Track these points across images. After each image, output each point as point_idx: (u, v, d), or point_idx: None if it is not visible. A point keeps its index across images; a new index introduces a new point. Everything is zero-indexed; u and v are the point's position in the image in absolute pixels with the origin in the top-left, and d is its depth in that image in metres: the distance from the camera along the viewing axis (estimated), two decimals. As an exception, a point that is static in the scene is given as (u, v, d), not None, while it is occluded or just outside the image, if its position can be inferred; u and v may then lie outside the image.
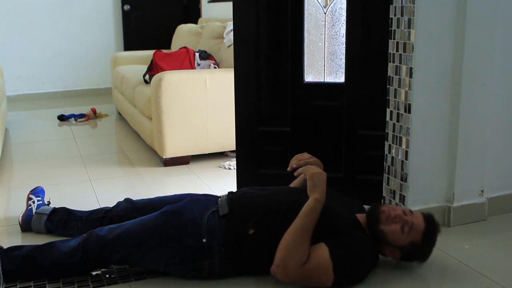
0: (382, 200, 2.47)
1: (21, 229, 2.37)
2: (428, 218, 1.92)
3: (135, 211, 2.17)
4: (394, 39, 2.31)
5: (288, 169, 2.02)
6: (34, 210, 2.38)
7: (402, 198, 2.34)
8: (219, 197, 2.05)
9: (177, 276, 1.93)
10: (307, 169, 1.91)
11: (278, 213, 1.87)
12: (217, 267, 1.87)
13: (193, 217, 1.90)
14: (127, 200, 2.27)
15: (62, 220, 2.29)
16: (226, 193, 2.09)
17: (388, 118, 2.39)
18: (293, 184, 2.19)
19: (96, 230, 1.96)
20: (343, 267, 1.76)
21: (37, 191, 2.54)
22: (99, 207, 2.34)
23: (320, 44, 2.59)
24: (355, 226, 1.90)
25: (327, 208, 1.86)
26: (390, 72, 2.35)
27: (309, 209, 1.80)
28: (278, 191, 2.02)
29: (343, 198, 2.09)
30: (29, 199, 2.48)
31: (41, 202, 2.45)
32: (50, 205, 2.44)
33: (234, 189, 2.51)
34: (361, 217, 1.97)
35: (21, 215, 2.39)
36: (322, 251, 1.76)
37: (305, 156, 2.07)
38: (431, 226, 1.90)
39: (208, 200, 2.03)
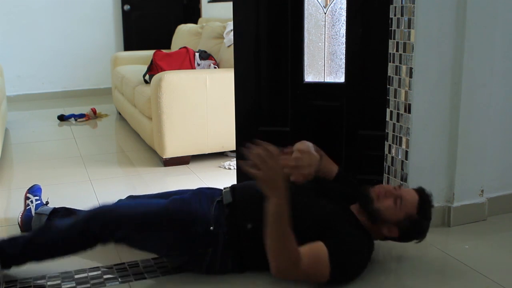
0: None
1: (21, 230, 2.37)
2: (420, 190, 1.93)
3: None
4: (394, 39, 2.31)
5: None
6: (33, 211, 2.38)
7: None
8: (223, 189, 2.07)
9: (177, 262, 1.95)
10: (258, 174, 1.69)
11: None
12: (219, 256, 1.88)
13: (201, 207, 1.93)
14: (130, 197, 2.28)
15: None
16: (230, 185, 2.11)
17: (388, 118, 2.40)
18: None
19: (105, 205, 1.98)
20: (340, 265, 1.76)
21: (35, 190, 2.53)
22: None
23: (320, 44, 2.59)
24: (349, 219, 1.90)
25: (315, 208, 1.86)
26: (390, 72, 2.35)
27: (274, 215, 1.68)
28: None
29: (334, 189, 2.05)
30: (26, 198, 2.48)
31: (39, 202, 2.45)
32: (48, 205, 2.45)
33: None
34: (355, 207, 1.96)
35: (20, 216, 2.39)
36: (320, 248, 1.75)
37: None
38: (423, 197, 1.91)
39: (213, 192, 2.05)
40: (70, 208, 2.35)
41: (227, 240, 1.87)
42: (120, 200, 2.28)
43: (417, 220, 1.88)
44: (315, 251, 1.75)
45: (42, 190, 2.59)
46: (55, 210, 2.34)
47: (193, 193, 2.05)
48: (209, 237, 1.87)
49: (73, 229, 1.92)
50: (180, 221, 1.88)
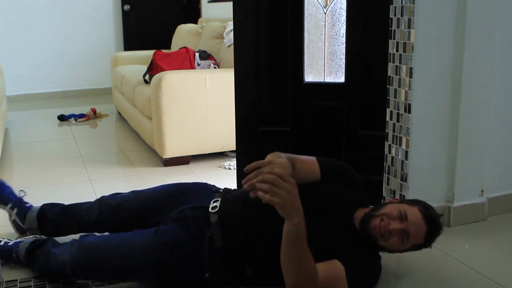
0: (382, 200, 2.47)
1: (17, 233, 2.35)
2: (429, 218, 1.77)
3: (116, 215, 2.11)
4: (394, 39, 2.31)
5: (244, 187, 1.60)
6: (19, 223, 2.27)
7: (402, 198, 2.34)
8: (210, 210, 1.90)
9: None
10: (272, 198, 1.49)
11: (272, 247, 1.73)
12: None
13: (194, 249, 1.82)
14: (103, 203, 2.17)
15: (52, 232, 2.23)
16: (217, 199, 1.94)
17: (388, 118, 2.40)
18: None
19: (89, 243, 1.90)
20: (357, 282, 1.71)
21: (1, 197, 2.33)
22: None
23: (320, 44, 2.59)
24: (355, 239, 1.83)
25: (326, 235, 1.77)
26: (390, 72, 2.35)
27: (293, 236, 1.57)
28: (270, 218, 1.75)
29: (330, 207, 1.89)
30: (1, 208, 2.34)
31: (16, 209, 2.27)
32: (24, 197, 2.32)
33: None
34: (357, 218, 1.87)
35: (14, 227, 2.32)
36: (336, 265, 1.71)
37: (266, 169, 1.58)
38: (432, 228, 1.78)
39: (198, 218, 1.88)
40: (48, 211, 2.24)
41: (225, 281, 1.82)
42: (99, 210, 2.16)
43: (424, 244, 1.81)
44: (332, 268, 1.70)
45: (11, 186, 2.37)
46: (41, 216, 2.24)
47: (177, 219, 1.88)
48: (205, 283, 1.81)
49: (63, 271, 1.90)
50: (172, 272, 1.81)
